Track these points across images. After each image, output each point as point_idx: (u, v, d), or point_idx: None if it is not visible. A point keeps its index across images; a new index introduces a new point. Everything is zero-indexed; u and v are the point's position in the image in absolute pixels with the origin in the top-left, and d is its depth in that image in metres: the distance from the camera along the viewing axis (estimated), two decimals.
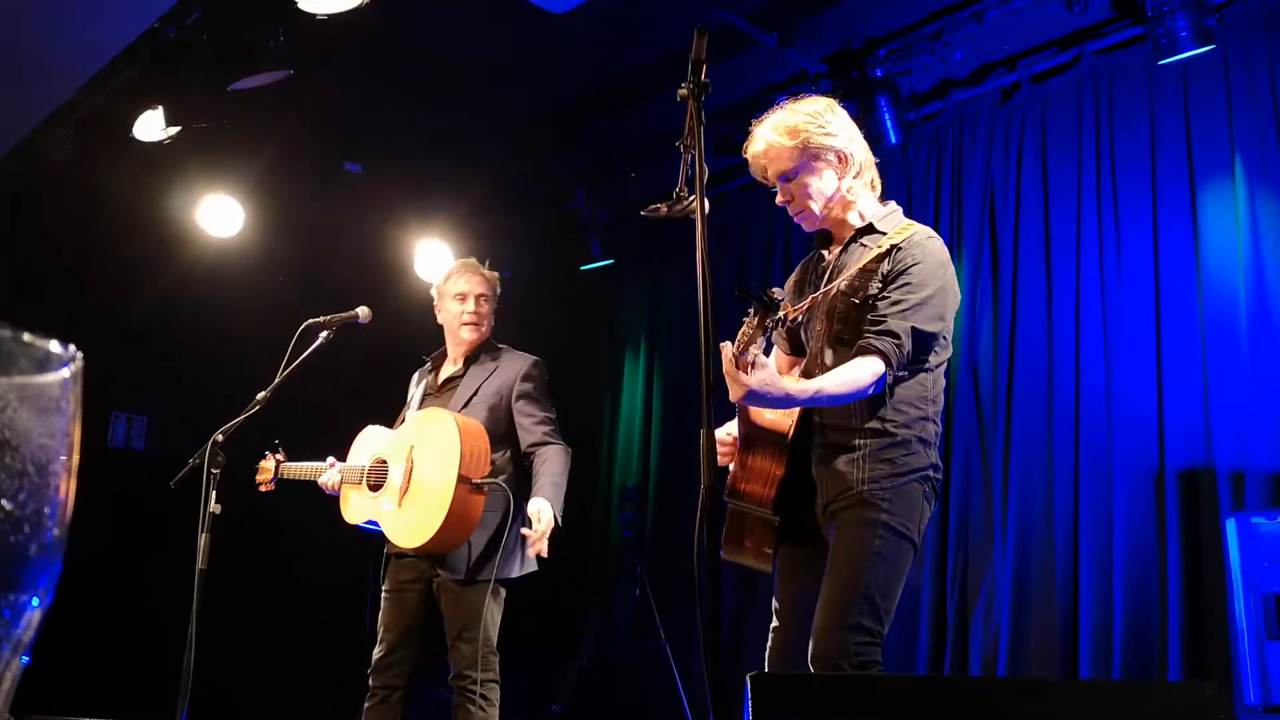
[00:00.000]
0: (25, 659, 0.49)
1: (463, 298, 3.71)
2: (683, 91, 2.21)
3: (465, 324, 3.70)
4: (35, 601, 0.49)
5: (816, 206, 2.63)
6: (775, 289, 2.28)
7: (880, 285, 2.51)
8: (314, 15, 4.24)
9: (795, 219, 2.70)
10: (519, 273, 7.03)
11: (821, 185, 2.61)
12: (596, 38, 5.01)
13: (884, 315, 2.46)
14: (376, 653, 3.53)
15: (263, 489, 3.87)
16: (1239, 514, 3.77)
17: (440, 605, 3.49)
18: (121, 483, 5.31)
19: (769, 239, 6.17)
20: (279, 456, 3.84)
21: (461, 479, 3.38)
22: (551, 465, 3.49)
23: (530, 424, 3.58)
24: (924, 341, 2.47)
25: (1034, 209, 5.04)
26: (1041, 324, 4.90)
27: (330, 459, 3.67)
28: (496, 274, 3.85)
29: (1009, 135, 5.20)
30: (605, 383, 7.04)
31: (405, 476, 3.50)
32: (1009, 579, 4.70)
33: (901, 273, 2.49)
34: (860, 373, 2.41)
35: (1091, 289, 4.77)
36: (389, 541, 3.58)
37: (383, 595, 3.60)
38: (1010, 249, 5.07)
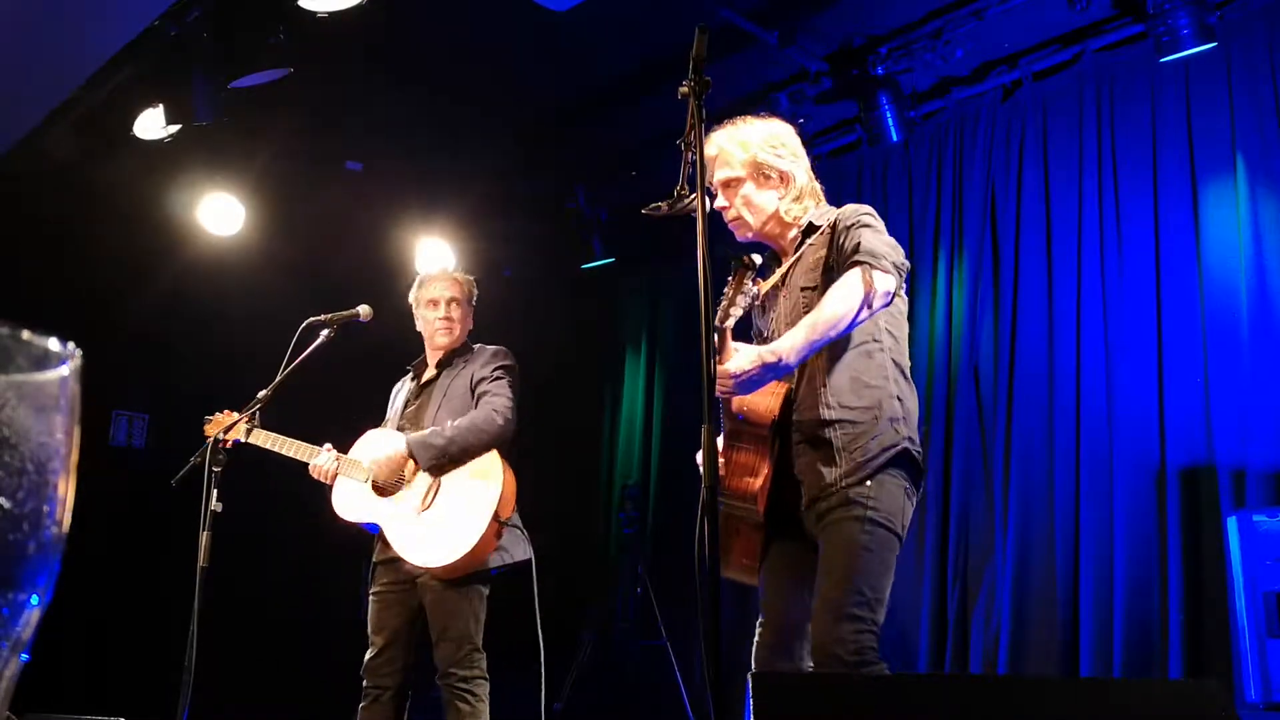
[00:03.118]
0: (25, 657, 0.49)
1: (434, 304, 3.75)
2: (684, 90, 2.21)
3: (439, 330, 3.75)
4: (34, 600, 0.49)
5: (752, 219, 2.73)
6: (754, 254, 2.39)
7: (831, 256, 2.60)
8: (314, 13, 4.24)
9: (729, 225, 2.78)
10: (519, 271, 7.04)
11: (761, 200, 2.72)
12: (597, 36, 5.00)
13: (848, 253, 2.53)
14: (367, 654, 3.56)
15: (208, 437, 3.56)
16: (1240, 512, 3.77)
17: (424, 604, 3.51)
18: (122, 481, 5.32)
19: None
20: (251, 421, 3.51)
21: (495, 516, 3.46)
22: (465, 418, 3.54)
23: (479, 392, 3.64)
24: (890, 252, 2.53)
25: (1035, 207, 5.04)
26: (1042, 322, 4.90)
27: (327, 445, 3.64)
28: (470, 277, 3.88)
29: (1010, 133, 5.20)
30: (605, 382, 7.04)
31: (430, 493, 3.52)
32: (1009, 577, 4.70)
33: (847, 226, 2.60)
34: (847, 281, 2.45)
35: (1092, 287, 4.77)
36: (380, 547, 3.61)
37: (370, 597, 3.63)
38: (1011, 247, 5.07)
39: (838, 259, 2.57)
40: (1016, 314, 4.99)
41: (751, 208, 2.72)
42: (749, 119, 2.78)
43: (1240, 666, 3.57)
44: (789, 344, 2.42)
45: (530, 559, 3.58)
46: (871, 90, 5.14)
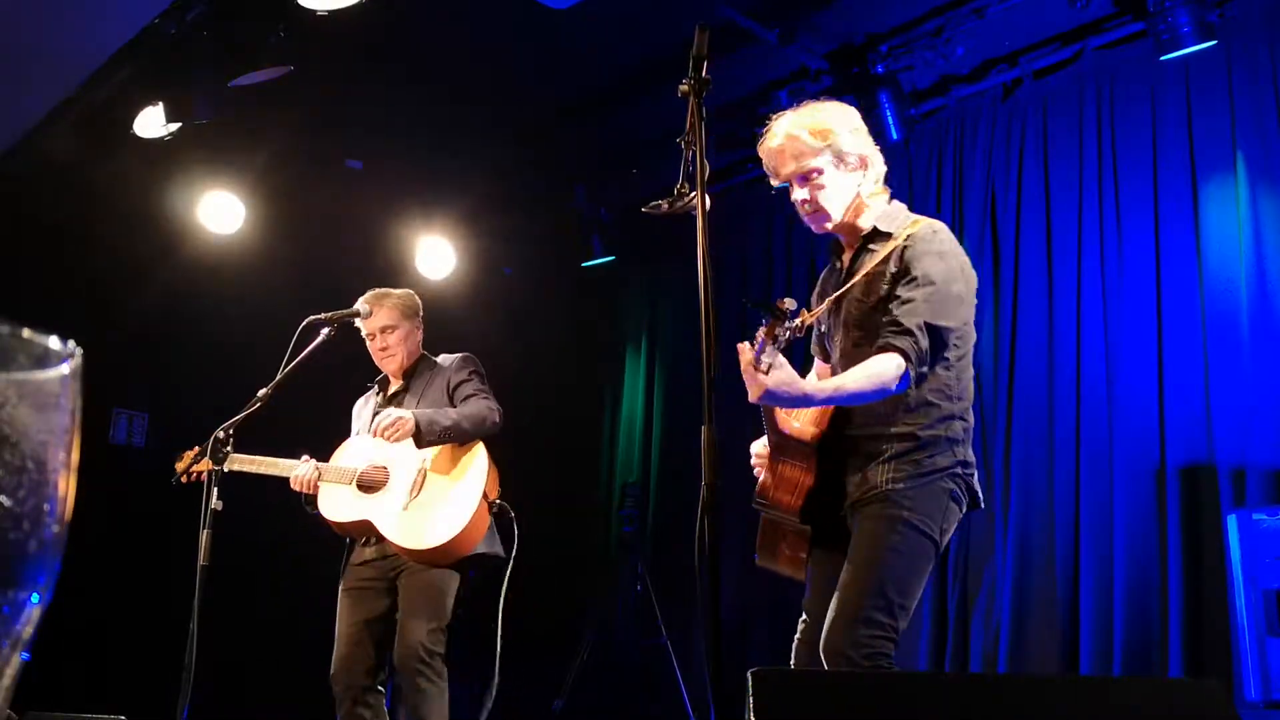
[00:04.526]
0: (25, 655, 0.49)
1: (371, 336, 3.78)
2: (684, 88, 2.21)
3: (382, 360, 3.80)
4: (35, 598, 0.49)
5: (835, 209, 2.61)
6: (787, 300, 2.27)
7: (889, 286, 2.51)
8: (314, 11, 4.24)
9: (807, 219, 2.66)
10: (520, 270, 7.04)
11: (843, 187, 2.61)
12: (598, 34, 5.00)
13: (897, 316, 2.45)
14: (335, 654, 3.56)
15: (185, 480, 3.58)
16: (1240, 510, 3.78)
17: (401, 590, 3.56)
18: (122, 480, 5.32)
19: (769, 236, 6.16)
20: (222, 448, 3.37)
21: (484, 495, 3.52)
22: (466, 406, 3.59)
23: (465, 395, 3.69)
24: (940, 335, 2.45)
25: (1035, 206, 5.04)
26: (1042, 321, 4.90)
27: (305, 455, 3.65)
28: (406, 291, 3.89)
29: (1010, 132, 5.20)
30: (605, 381, 7.04)
31: (417, 484, 3.55)
32: (1009, 576, 4.70)
33: (909, 269, 2.49)
34: (877, 367, 2.40)
35: (1093, 285, 4.77)
36: (356, 550, 3.65)
37: (341, 596, 3.65)
38: (1011, 246, 5.07)
39: (890, 298, 2.49)
40: (1016, 313, 4.98)
41: (832, 197, 2.60)
42: (811, 104, 2.66)
43: (1240, 665, 3.57)
44: (819, 390, 2.43)
45: (506, 555, 3.62)
46: (872, 88, 5.14)
